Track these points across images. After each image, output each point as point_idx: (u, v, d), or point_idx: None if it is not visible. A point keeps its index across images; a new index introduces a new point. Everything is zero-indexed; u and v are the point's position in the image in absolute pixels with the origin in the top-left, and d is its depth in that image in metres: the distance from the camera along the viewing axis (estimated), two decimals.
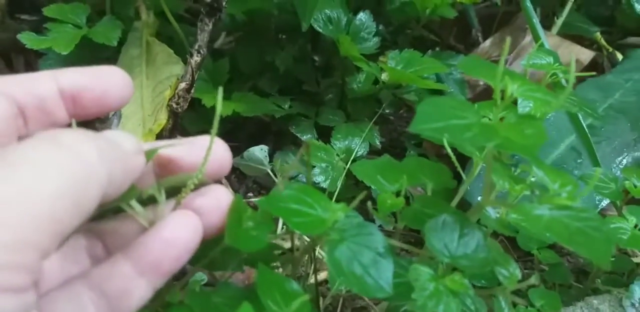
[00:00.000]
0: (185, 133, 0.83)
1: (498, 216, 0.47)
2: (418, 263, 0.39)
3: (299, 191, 0.38)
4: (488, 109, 0.40)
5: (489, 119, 0.37)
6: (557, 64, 0.56)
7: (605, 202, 0.76)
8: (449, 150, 0.46)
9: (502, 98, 0.36)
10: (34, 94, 0.35)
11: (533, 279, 0.41)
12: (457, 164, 0.47)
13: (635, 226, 0.54)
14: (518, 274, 0.42)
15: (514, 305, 0.45)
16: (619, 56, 1.11)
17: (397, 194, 0.44)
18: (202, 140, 0.39)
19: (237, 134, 0.89)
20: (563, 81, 0.69)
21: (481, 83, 1.00)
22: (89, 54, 0.90)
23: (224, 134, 0.87)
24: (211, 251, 0.40)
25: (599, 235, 0.33)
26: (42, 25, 0.89)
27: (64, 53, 0.77)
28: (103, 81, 0.37)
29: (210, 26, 0.64)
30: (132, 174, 0.34)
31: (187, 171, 0.36)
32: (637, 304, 0.56)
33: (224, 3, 0.63)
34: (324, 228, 0.36)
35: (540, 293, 0.56)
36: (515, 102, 0.41)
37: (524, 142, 0.34)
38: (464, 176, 0.47)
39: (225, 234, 0.36)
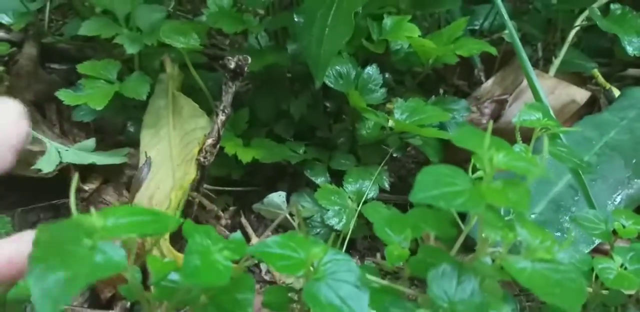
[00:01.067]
0: (210, 178, 0.90)
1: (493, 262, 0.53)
2: (422, 307, 0.45)
3: (284, 238, 0.45)
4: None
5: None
6: (546, 119, 0.62)
7: (599, 240, 0.81)
8: (455, 214, 0.53)
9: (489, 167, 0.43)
10: None
11: None
12: (456, 215, 0.53)
13: (622, 266, 0.59)
14: None
15: None
16: (616, 92, 1.17)
17: (403, 246, 0.50)
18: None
19: (255, 177, 0.95)
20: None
21: (484, 121, 1.07)
22: (119, 105, 0.98)
23: (243, 177, 0.95)
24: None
25: (574, 286, 0.39)
26: (71, 74, 0.97)
27: (99, 108, 0.85)
28: None
29: (234, 88, 0.71)
30: None
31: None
32: None
33: (246, 68, 0.70)
34: (303, 269, 0.43)
35: None
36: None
37: (506, 205, 0.40)
38: (462, 226, 0.53)
39: (182, 271, 0.41)
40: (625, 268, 0.59)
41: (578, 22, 1.21)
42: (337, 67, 0.81)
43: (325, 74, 0.76)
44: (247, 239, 0.88)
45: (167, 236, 0.68)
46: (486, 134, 0.44)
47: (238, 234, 0.49)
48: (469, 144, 0.44)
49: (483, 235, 0.46)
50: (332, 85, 0.81)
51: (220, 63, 0.75)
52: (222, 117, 0.72)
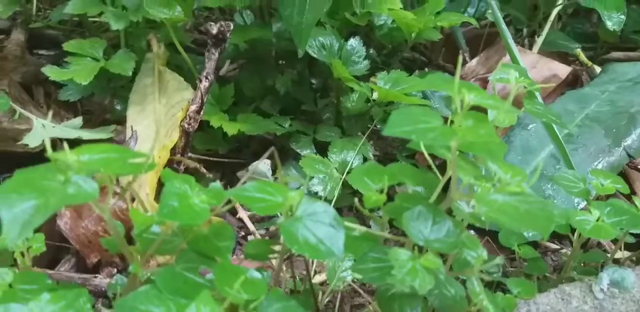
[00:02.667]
0: (194, 151, 0.91)
1: (471, 210, 0.54)
2: (398, 247, 0.46)
3: (262, 183, 0.46)
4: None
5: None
6: (522, 78, 0.63)
7: (583, 204, 0.83)
8: (426, 154, 0.54)
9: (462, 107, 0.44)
10: None
11: (498, 260, 0.47)
12: (433, 165, 0.54)
13: (599, 219, 0.60)
14: (485, 255, 0.48)
15: (486, 285, 0.51)
16: (598, 70, 1.18)
17: (381, 192, 0.51)
18: None
19: (242, 153, 0.96)
20: (537, 95, 0.77)
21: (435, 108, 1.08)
22: (105, 83, 0.99)
23: (230, 152, 0.96)
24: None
25: (543, 214, 0.40)
26: (59, 59, 0.98)
27: (84, 83, 0.86)
28: None
29: (217, 55, 0.72)
30: None
31: None
32: (605, 289, 0.62)
33: (228, 34, 0.71)
34: (280, 210, 0.43)
35: (517, 282, 0.63)
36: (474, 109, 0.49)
37: (477, 140, 0.41)
38: (439, 175, 0.54)
39: (158, 210, 0.42)
40: (603, 221, 0.60)
41: (560, 1, 1.23)
42: (320, 38, 0.82)
43: (308, 43, 0.77)
44: (234, 212, 0.89)
45: (150, 192, 0.69)
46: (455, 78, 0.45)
47: (217, 183, 0.50)
48: (441, 87, 0.45)
49: (456, 178, 0.47)
50: (315, 56, 0.82)
51: (202, 28, 0.76)
52: (205, 83, 0.72)
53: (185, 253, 0.47)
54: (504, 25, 0.86)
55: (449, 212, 0.51)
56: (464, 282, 0.51)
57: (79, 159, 0.38)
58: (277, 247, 0.54)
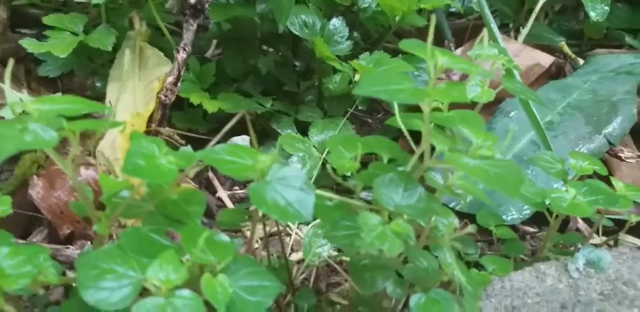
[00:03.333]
0: (175, 129, 0.90)
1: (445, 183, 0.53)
2: (368, 212, 0.45)
3: (233, 147, 0.45)
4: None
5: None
6: (501, 55, 0.63)
7: (562, 188, 0.83)
8: (405, 130, 0.53)
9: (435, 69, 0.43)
10: None
11: (470, 228, 0.47)
12: (411, 140, 0.54)
13: (574, 197, 0.60)
14: (456, 223, 0.48)
15: (457, 254, 0.50)
16: (581, 62, 1.19)
17: (355, 159, 0.50)
18: None
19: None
20: (516, 74, 0.77)
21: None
22: (85, 60, 0.98)
23: (209, 132, 0.95)
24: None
25: (513, 177, 0.40)
26: (41, 38, 0.97)
27: (62, 56, 0.84)
28: None
29: (195, 26, 0.71)
30: None
31: None
32: (581, 269, 0.62)
33: (206, 5, 0.70)
34: (251, 172, 0.43)
35: (492, 259, 0.62)
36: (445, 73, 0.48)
37: (449, 100, 0.41)
38: (414, 147, 0.53)
39: (123, 166, 0.41)
40: (579, 200, 0.60)
41: None
42: (303, 16, 0.82)
43: (290, 20, 0.77)
44: (214, 192, 0.88)
45: (122, 157, 0.67)
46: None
47: (188, 147, 0.49)
48: (415, 50, 0.44)
49: (428, 145, 0.47)
50: (297, 33, 0.81)
51: None
52: (182, 54, 0.72)
53: (152, 215, 0.46)
54: (487, 10, 0.86)
55: (424, 184, 0.50)
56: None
57: (38, 108, 0.37)
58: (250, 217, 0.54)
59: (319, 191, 0.50)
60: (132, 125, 0.71)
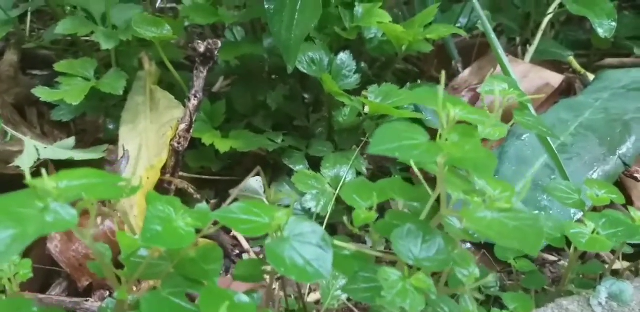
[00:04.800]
0: (187, 169, 0.90)
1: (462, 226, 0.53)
2: (387, 267, 0.45)
3: (248, 204, 0.45)
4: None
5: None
6: (512, 89, 0.63)
7: (579, 215, 0.82)
8: (416, 170, 0.53)
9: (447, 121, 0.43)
10: None
11: (490, 277, 0.47)
12: (423, 181, 0.54)
13: (594, 231, 0.59)
14: (477, 273, 0.47)
15: (480, 303, 0.50)
16: (591, 78, 1.18)
17: (370, 209, 0.50)
18: None
19: (235, 170, 0.96)
20: (529, 105, 0.77)
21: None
22: (97, 102, 0.99)
23: (223, 170, 0.95)
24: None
25: (533, 231, 0.39)
26: (53, 79, 0.98)
27: (75, 104, 0.86)
28: None
29: (205, 73, 0.72)
30: None
31: None
32: (603, 303, 0.61)
33: (216, 52, 0.71)
34: (267, 231, 0.43)
35: (513, 297, 0.62)
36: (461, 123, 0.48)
37: (463, 156, 0.41)
38: (429, 191, 0.53)
39: (142, 236, 0.41)
40: (598, 233, 0.60)
41: (551, 9, 1.23)
42: (310, 54, 0.82)
43: (297, 59, 0.77)
44: (229, 231, 0.88)
45: (138, 214, 0.68)
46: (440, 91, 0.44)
47: (203, 204, 0.49)
48: (426, 101, 0.44)
49: (445, 194, 0.47)
50: (305, 71, 0.81)
51: (190, 46, 0.75)
52: (194, 101, 0.72)
53: (171, 277, 0.46)
54: (493, 36, 0.86)
55: (441, 227, 0.50)
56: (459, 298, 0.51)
57: (57, 186, 0.37)
58: (268, 268, 0.54)
59: (335, 241, 0.50)
60: (147, 177, 0.71)
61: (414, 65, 1.28)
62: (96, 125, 1.05)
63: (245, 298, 0.43)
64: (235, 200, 0.75)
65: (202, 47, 0.70)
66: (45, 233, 0.35)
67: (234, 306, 0.42)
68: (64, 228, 0.36)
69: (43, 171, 0.38)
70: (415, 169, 0.53)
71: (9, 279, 0.52)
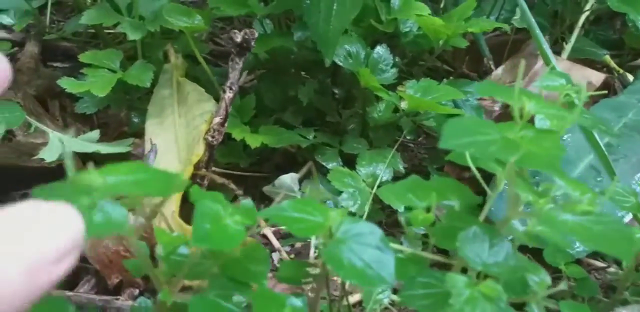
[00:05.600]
0: (217, 164, 0.87)
1: (524, 229, 0.50)
2: (453, 273, 0.41)
3: (299, 202, 0.42)
4: (506, 129, 0.43)
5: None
6: (569, 85, 0.59)
7: (627, 218, 0.78)
8: (474, 168, 0.50)
9: (521, 116, 0.40)
10: None
11: (562, 285, 0.43)
12: (482, 181, 0.50)
13: None
14: (548, 280, 0.44)
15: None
16: (630, 77, 1.14)
17: (428, 210, 0.47)
18: None
19: (264, 166, 0.92)
20: (576, 101, 0.73)
21: (496, 108, 1.04)
22: (122, 95, 0.96)
23: (252, 166, 0.92)
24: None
25: (620, 235, 0.36)
26: (74, 71, 0.95)
27: (101, 95, 0.83)
28: None
29: (241, 64, 0.68)
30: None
31: None
32: None
33: (252, 43, 0.67)
34: (322, 231, 0.40)
35: (570, 305, 0.58)
36: (532, 122, 0.45)
37: (543, 154, 0.37)
38: (489, 191, 0.50)
39: (192, 234, 0.38)
40: None
41: (587, 6, 1.19)
42: (347, 47, 0.79)
43: (335, 51, 0.74)
44: (257, 226, 0.85)
45: (176, 209, 0.65)
46: (513, 87, 0.41)
47: (248, 201, 0.46)
48: (497, 94, 0.41)
49: (514, 195, 0.43)
50: (341, 64, 0.78)
51: (226, 37, 0.72)
52: (229, 94, 0.69)
53: (217, 279, 0.43)
54: (538, 31, 0.82)
55: None
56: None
57: (105, 182, 0.34)
58: (311, 270, 0.50)
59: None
60: (184, 171, 0.68)
61: (444, 62, 1.24)
62: (118, 118, 1.02)
63: (298, 302, 0.40)
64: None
65: (238, 37, 0.67)
66: (96, 235, 0.32)
67: (288, 311, 0.39)
68: (115, 230, 0.32)
69: (89, 164, 0.35)
70: (473, 168, 0.50)
71: None
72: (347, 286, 0.72)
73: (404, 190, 0.49)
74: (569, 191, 0.40)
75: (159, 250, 0.49)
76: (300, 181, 0.86)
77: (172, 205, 0.65)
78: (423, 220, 0.45)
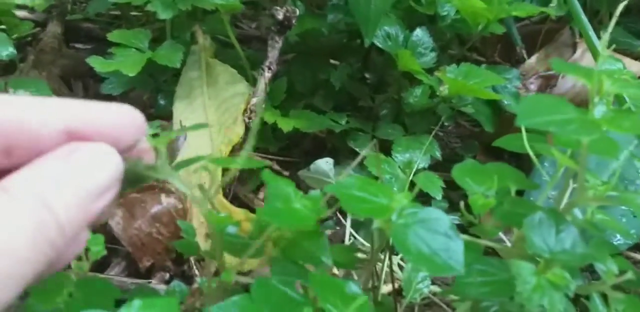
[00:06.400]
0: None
1: (583, 217, 0.47)
2: (518, 260, 0.39)
3: (362, 181, 0.40)
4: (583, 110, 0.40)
5: None
6: (626, 70, 0.57)
7: None
8: (531, 153, 0.48)
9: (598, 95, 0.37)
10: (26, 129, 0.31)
11: (630, 274, 0.41)
12: (539, 166, 0.48)
13: None
14: (615, 269, 0.42)
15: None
16: None
17: (487, 195, 0.44)
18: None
19: (293, 151, 0.90)
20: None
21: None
22: (149, 77, 0.94)
23: (280, 150, 0.90)
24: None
25: None
26: (97, 53, 0.93)
27: (131, 75, 0.80)
28: (106, 120, 0.34)
29: (280, 43, 0.66)
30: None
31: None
32: None
33: (294, 21, 0.65)
34: (389, 214, 0.38)
35: (620, 298, 0.56)
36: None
37: (621, 131, 0.35)
38: (546, 176, 0.48)
39: (263, 210, 0.37)
40: None
41: None
42: (386, 28, 0.76)
43: (375, 32, 0.71)
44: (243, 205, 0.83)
45: (220, 190, 0.63)
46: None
47: (317, 191, 0.44)
48: (574, 72, 0.39)
49: (584, 180, 0.41)
50: (380, 45, 0.75)
51: (267, 13, 0.70)
52: (267, 74, 0.67)
53: (279, 263, 0.41)
54: (583, 17, 0.79)
55: None
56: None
57: None
58: (360, 255, 0.48)
59: None
60: (224, 152, 0.66)
61: (475, 50, 1.21)
62: (142, 100, 1.00)
63: (356, 288, 0.38)
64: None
65: (280, 15, 0.65)
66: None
67: (348, 297, 0.37)
68: None
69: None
70: (531, 153, 0.48)
71: (80, 257, 0.47)
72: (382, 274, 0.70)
73: (463, 174, 0.47)
74: None
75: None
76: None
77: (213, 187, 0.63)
78: (482, 205, 0.43)
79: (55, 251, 0.29)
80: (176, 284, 0.57)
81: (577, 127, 0.34)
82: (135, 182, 0.36)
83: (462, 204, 0.44)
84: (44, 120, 0.32)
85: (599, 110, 0.38)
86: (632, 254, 0.77)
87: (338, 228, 0.80)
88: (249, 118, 0.68)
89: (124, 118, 0.35)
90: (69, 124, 0.32)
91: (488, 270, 0.43)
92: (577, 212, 0.47)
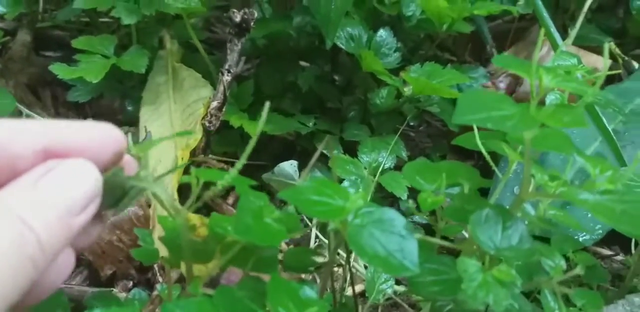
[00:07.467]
0: (213, 154, 0.85)
1: (535, 213, 0.47)
2: (463, 257, 0.39)
3: (318, 184, 0.40)
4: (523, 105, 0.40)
5: None
6: (581, 65, 0.57)
7: None
8: (484, 151, 0.48)
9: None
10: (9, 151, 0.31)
11: (578, 270, 0.41)
12: (492, 163, 0.48)
13: None
14: (563, 264, 0.42)
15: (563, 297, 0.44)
16: (635, 64, 1.12)
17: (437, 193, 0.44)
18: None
19: (262, 154, 0.90)
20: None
21: (502, 93, 1.02)
22: (115, 83, 0.93)
23: (249, 155, 0.89)
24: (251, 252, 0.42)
25: None
26: (66, 61, 0.92)
27: (95, 81, 0.80)
28: (89, 140, 0.34)
29: (239, 46, 0.66)
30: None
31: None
32: None
33: (252, 23, 0.65)
34: (344, 215, 0.37)
35: (581, 293, 0.56)
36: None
37: (561, 126, 0.35)
38: (499, 174, 0.48)
39: (235, 227, 0.37)
40: None
41: None
42: (349, 29, 0.76)
43: (336, 33, 0.71)
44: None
45: (175, 196, 0.62)
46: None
47: (291, 207, 0.44)
48: (514, 67, 0.39)
49: (529, 176, 0.41)
50: (343, 47, 0.76)
51: (224, 16, 0.69)
52: (227, 77, 0.66)
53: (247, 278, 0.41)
54: (545, 13, 0.80)
55: None
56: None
57: None
58: (318, 259, 0.48)
59: None
60: (182, 158, 0.66)
61: (446, 50, 1.22)
62: (111, 108, 1.00)
63: (311, 291, 0.38)
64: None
65: (237, 17, 0.64)
66: None
67: (302, 303, 0.36)
68: None
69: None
70: (484, 151, 0.48)
71: None
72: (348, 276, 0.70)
73: (412, 173, 0.47)
74: (588, 169, 0.37)
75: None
76: (300, 170, 0.84)
77: (172, 191, 0.63)
78: (432, 203, 0.43)
79: (37, 268, 0.29)
80: (136, 291, 0.56)
81: (516, 123, 0.34)
82: (120, 198, 0.35)
83: (410, 202, 0.44)
84: (22, 142, 0.32)
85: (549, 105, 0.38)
86: (600, 249, 0.77)
87: (309, 231, 0.80)
88: (210, 122, 0.67)
89: (102, 135, 0.35)
90: (47, 143, 0.32)
91: (439, 269, 0.42)
92: (529, 209, 0.47)
